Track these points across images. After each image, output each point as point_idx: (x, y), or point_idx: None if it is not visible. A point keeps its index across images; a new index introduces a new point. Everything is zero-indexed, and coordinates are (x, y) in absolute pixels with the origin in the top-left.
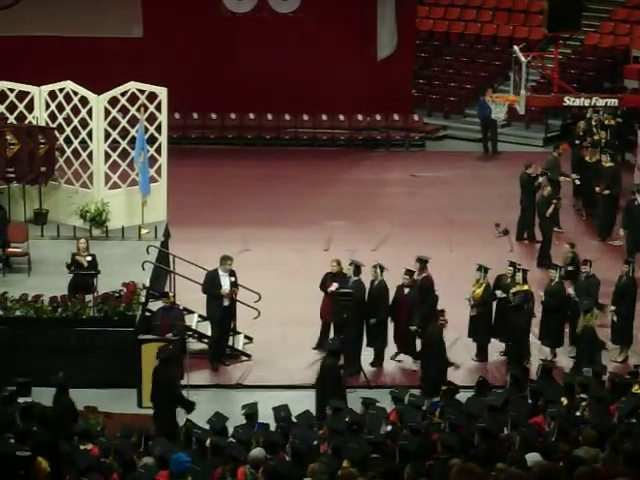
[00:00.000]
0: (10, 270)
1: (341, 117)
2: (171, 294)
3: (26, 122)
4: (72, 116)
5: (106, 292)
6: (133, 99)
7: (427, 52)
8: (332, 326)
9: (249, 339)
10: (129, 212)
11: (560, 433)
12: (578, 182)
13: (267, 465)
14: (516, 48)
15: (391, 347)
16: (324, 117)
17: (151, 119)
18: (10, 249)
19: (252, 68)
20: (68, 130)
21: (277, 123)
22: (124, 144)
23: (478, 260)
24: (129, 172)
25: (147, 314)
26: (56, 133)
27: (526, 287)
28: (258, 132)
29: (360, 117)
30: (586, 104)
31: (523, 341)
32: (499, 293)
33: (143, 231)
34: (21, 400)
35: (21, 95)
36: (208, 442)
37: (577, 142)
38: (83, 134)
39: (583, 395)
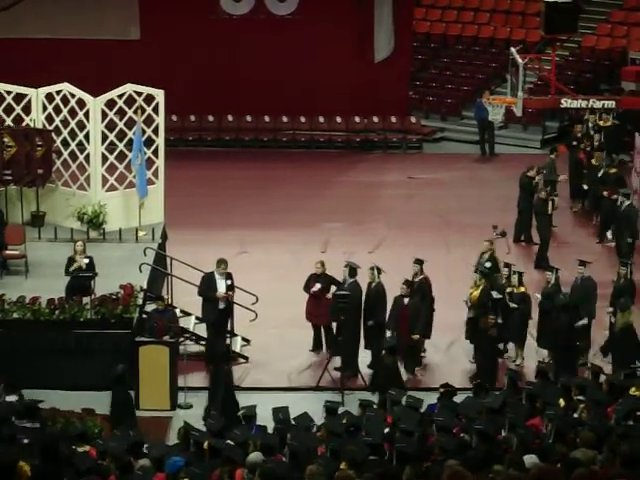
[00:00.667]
0: (7, 272)
1: (338, 119)
2: (166, 297)
3: (23, 124)
4: (69, 118)
5: (103, 294)
6: (130, 101)
7: (424, 54)
8: (322, 327)
9: (246, 341)
10: (126, 214)
11: (557, 435)
12: (566, 179)
13: (264, 467)
14: (513, 50)
15: None
16: (321, 119)
17: (148, 121)
18: (7, 251)
19: (249, 70)
20: (65, 132)
21: (274, 125)
22: (121, 146)
23: (475, 262)
24: (126, 174)
25: (143, 316)
26: (53, 135)
27: (522, 289)
28: (255, 134)
29: (357, 119)
30: (583, 106)
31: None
32: (495, 294)
33: (140, 233)
34: (8, 399)
35: (18, 97)
36: (206, 444)
37: (574, 144)
38: (80, 136)
39: (580, 397)
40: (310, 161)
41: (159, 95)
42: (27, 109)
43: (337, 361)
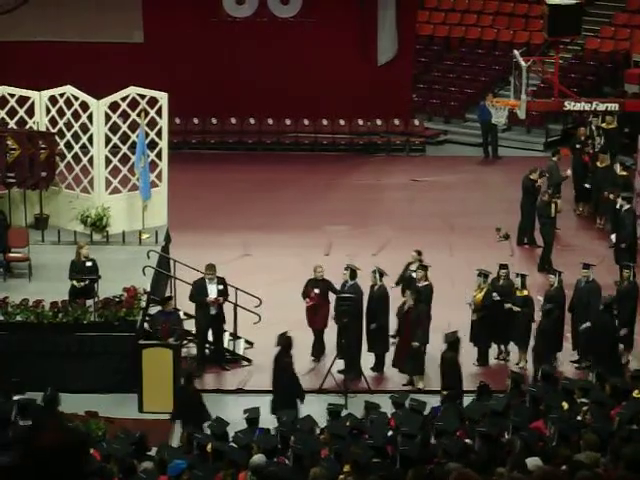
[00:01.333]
0: (11, 275)
1: (342, 122)
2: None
3: (27, 127)
4: (72, 121)
5: (107, 297)
6: (134, 104)
7: (427, 57)
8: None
9: (250, 344)
10: (130, 217)
11: (561, 438)
12: (570, 173)
13: (268, 470)
14: (516, 53)
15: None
16: (325, 122)
17: (152, 124)
18: (11, 254)
19: (253, 73)
20: (69, 135)
21: (278, 128)
22: (125, 149)
23: (479, 265)
24: (130, 177)
25: (147, 319)
26: (57, 138)
27: (525, 292)
28: (258, 137)
29: (361, 122)
30: (587, 109)
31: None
32: (495, 295)
33: (144, 236)
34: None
35: (22, 100)
36: (209, 447)
37: (578, 147)
38: (84, 139)
39: (584, 400)
40: (313, 164)
41: (162, 98)
42: (30, 112)
43: (340, 364)
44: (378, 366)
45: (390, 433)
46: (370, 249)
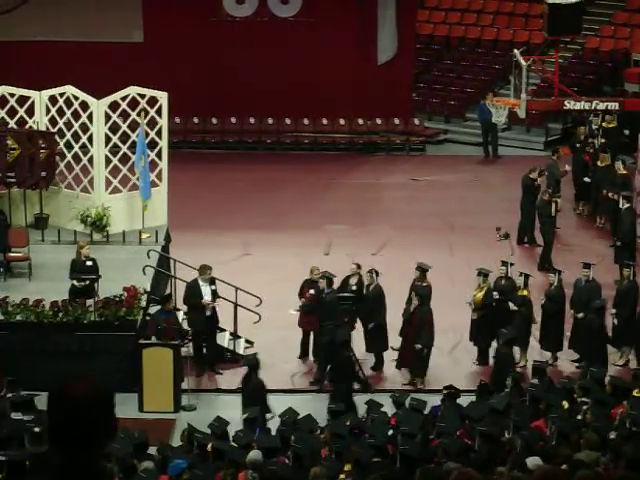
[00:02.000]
0: (11, 275)
1: (341, 121)
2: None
3: (27, 127)
4: (72, 121)
5: (107, 297)
6: (133, 104)
7: (427, 56)
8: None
9: (250, 343)
10: (130, 217)
11: (560, 437)
12: (569, 168)
13: (268, 469)
14: (516, 52)
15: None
16: (324, 121)
17: (152, 123)
18: (11, 254)
19: (253, 72)
20: (69, 135)
21: (277, 127)
22: (125, 149)
23: (479, 264)
24: (130, 177)
25: (147, 318)
26: (57, 138)
27: (525, 292)
28: (258, 136)
29: (360, 121)
30: (586, 108)
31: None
32: (495, 295)
33: (144, 235)
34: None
35: (22, 100)
36: (209, 446)
37: (578, 146)
38: (84, 139)
39: (584, 399)
40: (313, 163)
41: (162, 97)
42: (30, 111)
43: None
44: (378, 365)
45: (390, 432)
46: (370, 248)
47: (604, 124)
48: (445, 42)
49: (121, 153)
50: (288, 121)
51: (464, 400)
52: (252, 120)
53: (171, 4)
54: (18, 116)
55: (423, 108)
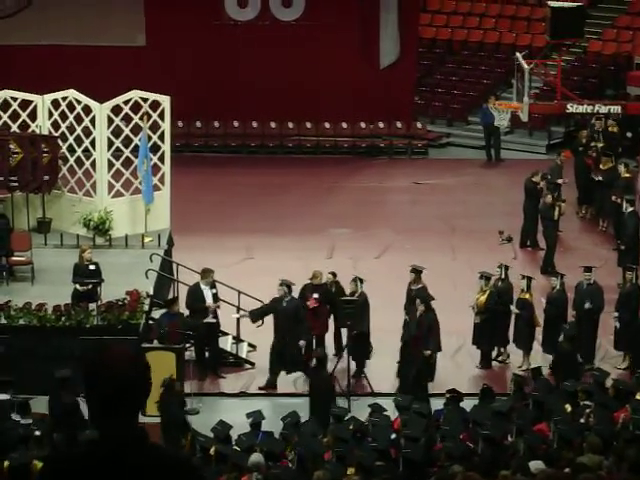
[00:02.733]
0: (14, 279)
1: (344, 125)
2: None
3: (29, 131)
4: (75, 125)
5: (110, 300)
6: (136, 107)
7: (430, 60)
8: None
9: (252, 347)
10: (132, 220)
11: (562, 440)
12: (567, 182)
13: (271, 473)
14: (519, 55)
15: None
16: (327, 125)
17: (154, 127)
18: (13, 258)
19: (255, 76)
20: (71, 139)
21: (280, 131)
22: (127, 152)
23: (481, 267)
24: (132, 180)
25: (150, 322)
26: (59, 142)
27: (527, 295)
28: (261, 140)
29: (363, 125)
30: (589, 111)
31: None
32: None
33: (146, 239)
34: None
35: (24, 104)
36: (212, 450)
37: (580, 149)
38: (86, 143)
39: (587, 402)
40: (316, 167)
41: (165, 101)
42: (33, 115)
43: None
44: (359, 373)
45: (393, 436)
46: (372, 252)
47: (609, 128)
48: (447, 46)
49: (124, 157)
50: (291, 125)
51: (467, 404)
52: (255, 124)
53: (174, 8)
54: (21, 120)
55: (425, 112)
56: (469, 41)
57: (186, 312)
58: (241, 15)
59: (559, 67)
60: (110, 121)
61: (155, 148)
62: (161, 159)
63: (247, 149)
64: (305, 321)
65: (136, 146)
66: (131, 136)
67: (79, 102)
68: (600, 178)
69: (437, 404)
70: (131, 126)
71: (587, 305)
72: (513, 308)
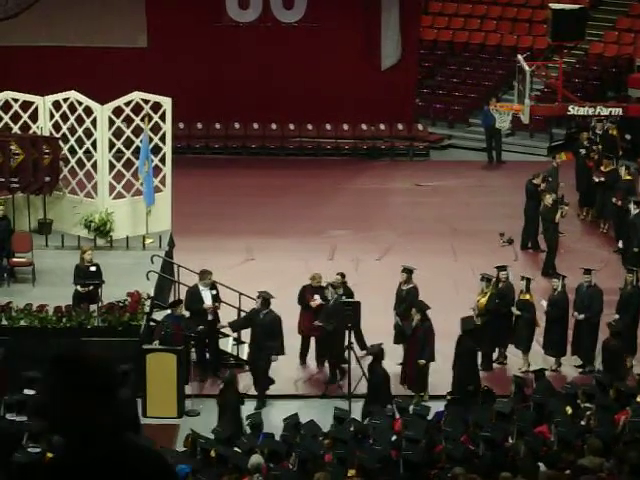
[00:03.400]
0: (15, 280)
1: (345, 126)
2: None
3: (30, 132)
4: (76, 126)
5: (111, 302)
6: (137, 109)
7: (431, 61)
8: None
9: None
10: (133, 222)
11: (563, 442)
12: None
13: (272, 475)
14: (520, 57)
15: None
16: (328, 126)
17: (155, 129)
18: (14, 259)
19: (256, 78)
20: (72, 140)
21: (281, 133)
22: (128, 154)
23: (482, 269)
24: (133, 182)
25: (152, 324)
26: (60, 143)
27: (528, 297)
28: (262, 142)
29: (364, 126)
30: (590, 113)
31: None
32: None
33: (147, 241)
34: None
35: (25, 105)
36: (213, 452)
37: (581, 151)
38: (87, 144)
39: (588, 404)
40: (317, 168)
41: (166, 103)
42: (34, 117)
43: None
44: (332, 378)
45: (394, 438)
46: (374, 254)
47: (609, 131)
48: (449, 47)
49: (125, 158)
50: (292, 126)
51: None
52: (256, 125)
53: (175, 9)
54: (22, 121)
55: (427, 113)
56: (470, 43)
57: (187, 314)
58: (242, 17)
59: (560, 69)
60: (111, 122)
61: (156, 149)
62: (162, 160)
63: (248, 151)
64: (281, 336)
65: (137, 147)
66: (132, 137)
67: (80, 103)
68: (602, 179)
69: (438, 406)
70: (132, 127)
71: (580, 317)
72: (514, 310)
